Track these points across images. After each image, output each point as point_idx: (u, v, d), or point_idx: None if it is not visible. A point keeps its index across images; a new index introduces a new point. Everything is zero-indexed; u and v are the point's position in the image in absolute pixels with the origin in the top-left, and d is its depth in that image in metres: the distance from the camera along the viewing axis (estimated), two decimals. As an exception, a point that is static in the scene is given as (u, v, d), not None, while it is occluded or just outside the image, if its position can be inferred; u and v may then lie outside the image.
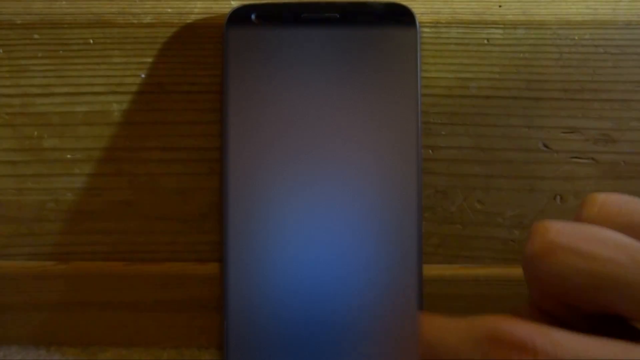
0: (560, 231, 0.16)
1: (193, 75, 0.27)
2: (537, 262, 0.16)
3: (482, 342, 0.15)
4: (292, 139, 0.26)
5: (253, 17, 0.26)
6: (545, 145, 0.28)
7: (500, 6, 0.27)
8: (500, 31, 0.27)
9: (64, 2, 0.27)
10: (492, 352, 0.15)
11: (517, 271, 0.28)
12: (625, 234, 0.15)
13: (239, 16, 0.26)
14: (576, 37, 0.27)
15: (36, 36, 0.27)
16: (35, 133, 0.28)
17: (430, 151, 0.28)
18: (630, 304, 0.15)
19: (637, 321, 0.15)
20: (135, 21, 0.27)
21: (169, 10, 0.27)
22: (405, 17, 0.26)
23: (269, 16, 0.26)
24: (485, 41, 0.27)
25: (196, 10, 0.27)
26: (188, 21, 0.27)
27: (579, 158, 0.28)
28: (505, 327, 0.15)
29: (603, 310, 0.15)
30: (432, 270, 0.28)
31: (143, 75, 0.27)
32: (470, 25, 0.27)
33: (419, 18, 0.26)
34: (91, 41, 0.27)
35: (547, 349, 0.14)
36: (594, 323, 0.16)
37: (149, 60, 0.27)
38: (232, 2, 0.27)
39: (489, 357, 0.15)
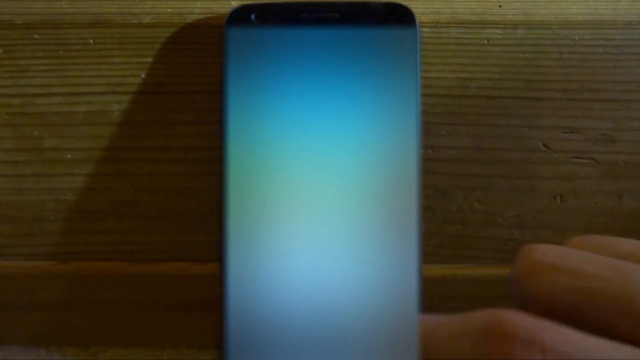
0: (547, 251, 0.15)
1: (193, 75, 0.27)
2: (525, 282, 0.15)
3: (480, 337, 0.13)
4: (291, 138, 0.26)
5: (253, 17, 0.26)
6: (545, 145, 0.28)
7: (500, 6, 0.27)
8: (500, 31, 0.27)
9: (64, 2, 0.27)
10: (491, 347, 0.13)
11: (517, 271, 0.28)
12: None
13: (239, 16, 0.26)
14: (576, 37, 0.27)
15: (36, 36, 0.27)
16: (35, 133, 0.28)
17: (430, 151, 0.28)
18: (620, 320, 0.14)
19: (629, 339, 0.14)
20: (135, 21, 0.27)
21: (169, 10, 0.27)
22: (405, 17, 0.26)
23: (269, 16, 0.26)
24: (485, 41, 0.27)
25: (196, 10, 0.27)
26: (188, 21, 0.27)
27: (579, 158, 0.28)
28: (509, 318, 0.13)
29: (593, 330, 0.14)
30: (432, 270, 0.28)
31: (143, 75, 0.27)
32: (470, 25, 0.27)
33: (419, 18, 0.26)
34: (91, 41, 0.27)
35: (557, 347, 0.13)
36: None
37: (149, 60, 0.27)
38: (232, 2, 0.27)
39: (487, 354, 0.13)
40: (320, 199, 0.26)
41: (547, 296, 0.15)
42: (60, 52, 0.27)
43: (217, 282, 0.28)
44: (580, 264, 0.15)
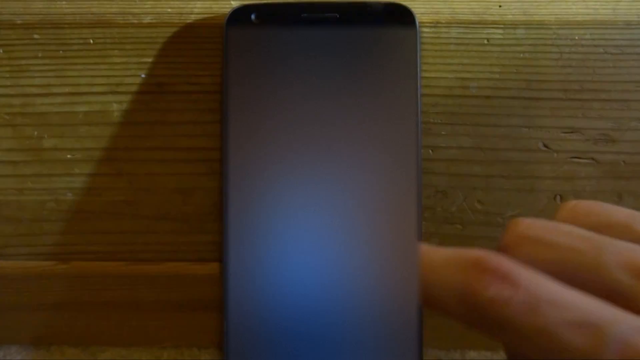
0: (529, 225, 0.16)
1: (193, 75, 0.27)
2: (507, 254, 0.16)
3: (466, 268, 0.15)
4: (292, 139, 0.26)
5: (253, 17, 0.26)
6: (545, 145, 0.28)
7: (500, 6, 0.27)
8: (500, 31, 0.27)
9: (64, 2, 0.27)
10: (473, 277, 0.15)
11: (517, 271, 0.28)
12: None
13: (239, 16, 0.26)
14: (576, 37, 0.27)
15: (36, 36, 0.27)
16: (35, 133, 0.28)
17: (430, 151, 0.28)
18: (592, 290, 0.15)
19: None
20: (135, 21, 0.27)
21: (169, 10, 0.27)
22: (405, 17, 0.26)
23: (269, 16, 0.26)
24: (485, 41, 0.27)
25: (196, 10, 0.27)
26: (188, 21, 0.27)
27: (579, 158, 0.28)
28: (493, 258, 0.15)
29: None
30: (432, 270, 0.28)
31: (143, 75, 0.27)
32: (470, 25, 0.27)
33: (419, 18, 0.26)
34: (91, 41, 0.27)
35: (529, 285, 0.14)
36: None
37: (149, 60, 0.27)
38: (232, 2, 0.27)
39: (468, 282, 0.15)
40: (320, 199, 0.26)
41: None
42: (60, 52, 0.27)
43: (217, 282, 0.28)
44: (559, 236, 0.16)
